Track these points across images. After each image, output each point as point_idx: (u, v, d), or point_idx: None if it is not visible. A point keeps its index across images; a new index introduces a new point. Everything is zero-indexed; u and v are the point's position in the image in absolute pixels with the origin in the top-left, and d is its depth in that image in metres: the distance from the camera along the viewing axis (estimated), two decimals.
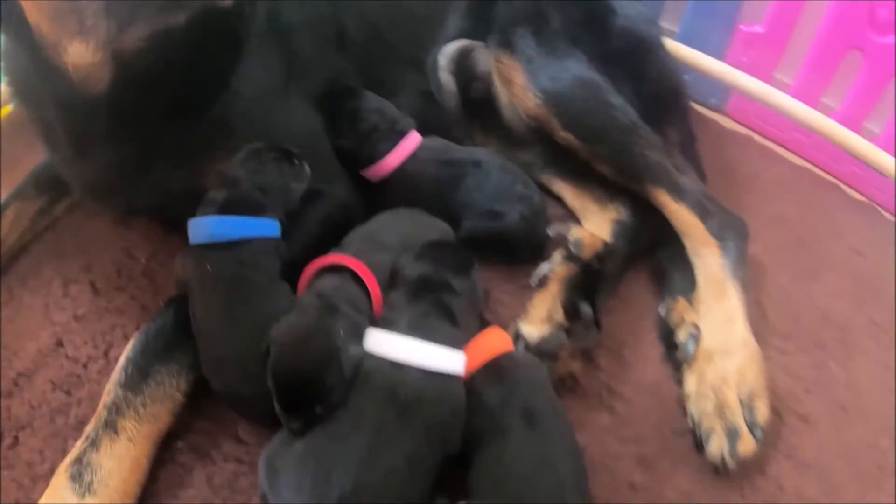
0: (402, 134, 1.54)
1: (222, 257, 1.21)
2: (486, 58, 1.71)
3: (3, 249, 1.51)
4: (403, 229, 1.34)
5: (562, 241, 1.48)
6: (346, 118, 1.53)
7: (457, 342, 1.12)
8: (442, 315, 1.13)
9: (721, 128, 2.17)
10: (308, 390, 1.04)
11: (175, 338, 1.21)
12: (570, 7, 1.67)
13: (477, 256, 1.46)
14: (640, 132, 1.56)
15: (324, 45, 1.55)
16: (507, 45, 1.63)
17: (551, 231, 1.47)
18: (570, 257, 1.42)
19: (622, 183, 1.59)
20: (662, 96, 1.74)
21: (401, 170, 1.52)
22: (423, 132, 1.59)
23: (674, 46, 2.03)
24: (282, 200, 1.30)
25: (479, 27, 1.73)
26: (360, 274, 1.20)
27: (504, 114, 1.70)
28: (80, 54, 1.06)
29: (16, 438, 1.25)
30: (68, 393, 1.30)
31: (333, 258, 1.23)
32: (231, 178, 1.28)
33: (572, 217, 1.72)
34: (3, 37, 1.28)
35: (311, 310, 1.13)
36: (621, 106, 1.59)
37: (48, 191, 1.62)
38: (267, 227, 1.26)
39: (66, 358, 1.36)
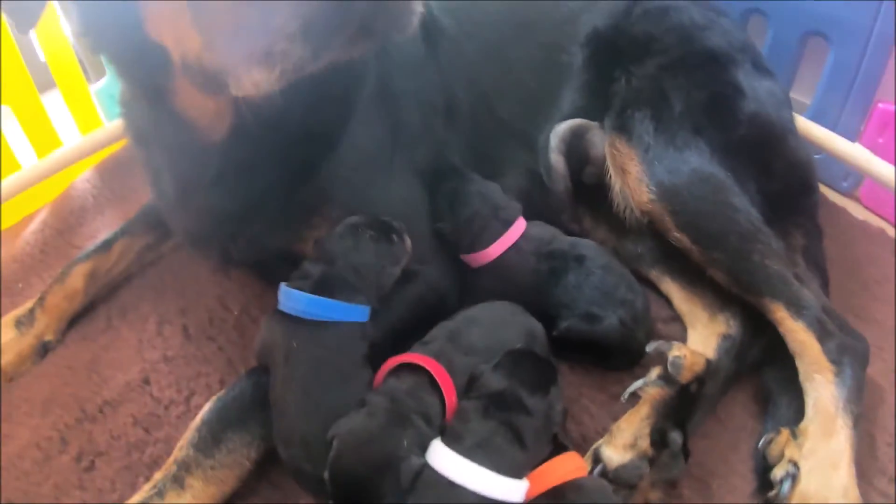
0: (506, 223, 1.48)
1: (309, 335, 1.21)
2: (600, 140, 1.61)
3: (107, 280, 1.63)
4: (491, 331, 1.29)
5: (661, 356, 1.37)
6: (447, 201, 1.48)
7: (521, 468, 1.07)
8: (510, 438, 1.08)
9: (851, 218, 1.97)
10: (363, 493, 1.05)
11: (252, 407, 1.22)
12: (696, 90, 1.52)
13: (568, 358, 1.40)
14: (761, 238, 1.43)
15: (432, 115, 1.50)
16: (623, 129, 1.52)
17: (650, 347, 1.36)
18: (667, 378, 1.32)
19: (736, 293, 1.45)
20: (790, 193, 1.59)
21: (500, 259, 1.46)
22: (528, 214, 1.53)
23: (803, 125, 1.87)
24: (375, 284, 1.28)
25: (595, 105, 1.63)
26: (438, 379, 1.17)
27: (616, 203, 1.59)
28: (262, 82, 0.94)
29: (92, 462, 1.33)
30: (147, 431, 1.35)
31: (414, 357, 1.20)
32: (328, 253, 1.26)
33: (678, 320, 1.60)
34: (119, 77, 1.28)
35: (380, 414, 1.11)
36: (743, 208, 1.45)
37: (156, 228, 1.69)
38: (357, 312, 1.24)
39: (150, 396, 1.41)
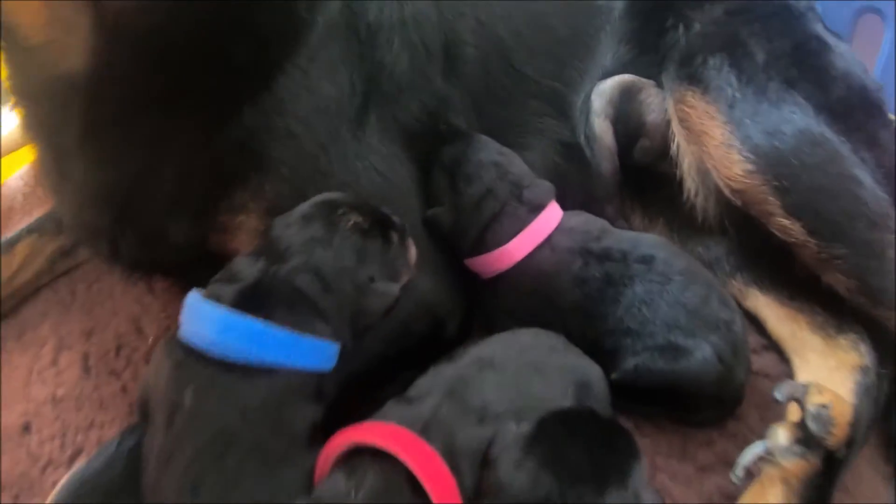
0: (534, 208, 1.00)
1: (216, 385, 0.71)
2: (659, 102, 1.18)
3: (10, 289, 1.27)
4: (518, 379, 0.79)
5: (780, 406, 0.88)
6: (445, 174, 1.02)
7: None
8: None
9: None
10: None
11: (122, 489, 0.77)
12: (777, 38, 1.15)
13: (632, 411, 0.95)
14: (892, 226, 1.01)
15: (426, 60, 1.07)
16: (695, 79, 1.10)
17: (779, 392, 0.86)
18: (807, 441, 0.82)
19: (859, 304, 1.03)
20: None
21: (527, 263, 0.98)
22: (560, 203, 1.06)
23: None
24: (351, 307, 0.78)
25: (644, 60, 1.23)
26: (424, 478, 0.64)
27: (687, 186, 1.15)
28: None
29: None
30: (16, 498, 1.04)
31: (383, 434, 0.68)
32: (277, 243, 0.78)
33: (772, 349, 1.14)
34: None
35: None
36: (869, 184, 1.04)
37: None
38: (313, 353, 0.74)
39: (26, 451, 1.10)
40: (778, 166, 1.02)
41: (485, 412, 0.72)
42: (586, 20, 1.25)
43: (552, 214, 1.00)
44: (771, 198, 1.02)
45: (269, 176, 0.88)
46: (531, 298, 0.98)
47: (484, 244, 0.98)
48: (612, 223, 1.11)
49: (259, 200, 0.88)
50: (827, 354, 1.07)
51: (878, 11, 1.62)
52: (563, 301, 0.97)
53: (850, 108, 1.12)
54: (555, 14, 1.22)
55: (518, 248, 0.97)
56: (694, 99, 1.09)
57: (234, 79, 0.86)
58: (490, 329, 0.95)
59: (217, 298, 0.72)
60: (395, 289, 0.80)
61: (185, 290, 1.01)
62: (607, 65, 1.23)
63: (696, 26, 1.18)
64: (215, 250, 0.91)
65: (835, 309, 1.09)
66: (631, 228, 1.23)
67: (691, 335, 0.92)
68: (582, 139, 1.18)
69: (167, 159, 0.87)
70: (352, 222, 0.79)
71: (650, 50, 1.22)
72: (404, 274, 0.84)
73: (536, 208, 0.99)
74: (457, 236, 1.00)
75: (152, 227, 0.91)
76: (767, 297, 1.16)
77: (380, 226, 0.81)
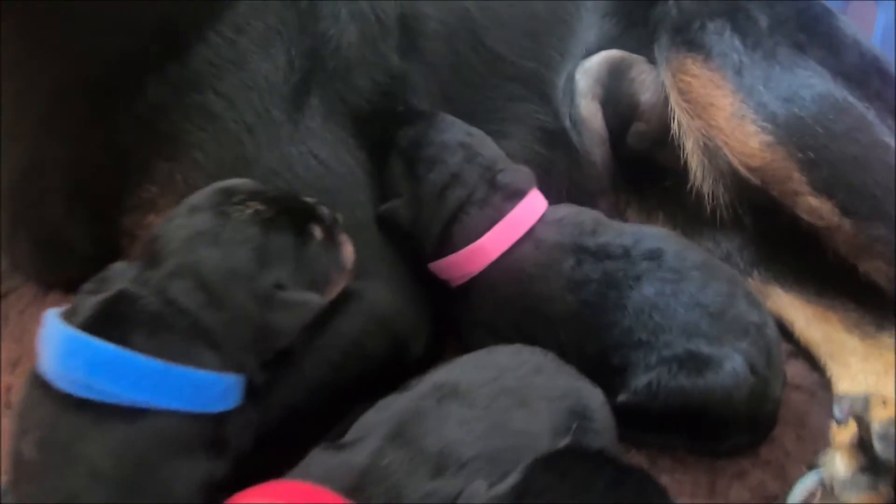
0: (510, 194, 0.82)
1: (62, 432, 0.53)
2: (653, 79, 1.03)
3: None
4: (493, 412, 0.61)
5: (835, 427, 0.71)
6: (403, 159, 0.86)
7: None
8: None
9: None
10: None
11: None
12: (778, 3, 1.02)
13: (644, 441, 0.78)
14: None
15: (379, 34, 0.92)
16: (694, 45, 0.97)
17: (840, 410, 0.68)
18: (875, 468, 0.64)
19: None
20: None
21: (505, 263, 0.80)
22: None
23: None
24: (256, 325, 0.60)
25: (631, 33, 1.09)
26: None
27: (690, 171, 0.99)
28: None
29: None
30: None
31: (286, 494, 0.50)
32: (156, 242, 0.61)
33: (800, 356, 0.97)
34: None
35: None
36: None
37: None
38: (195, 389, 0.56)
39: None
40: (801, 136, 0.87)
41: (445, 460, 0.54)
42: None
43: (534, 203, 0.83)
44: (796, 174, 0.86)
45: (180, 164, 0.73)
46: (512, 307, 0.81)
47: (451, 242, 0.81)
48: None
49: (170, 195, 0.72)
50: (869, 357, 0.90)
51: None
52: (553, 309, 0.79)
53: (865, 74, 1.00)
54: None
55: (493, 243, 0.79)
56: (696, 66, 0.95)
57: (133, 41, 0.71)
58: (465, 349, 0.76)
59: (72, 315, 0.54)
60: (314, 299, 0.62)
61: None
62: (591, 41, 1.08)
63: None
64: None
65: (870, 303, 0.93)
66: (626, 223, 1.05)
67: (716, 343, 0.74)
68: (567, 124, 1.02)
69: (57, 146, 0.72)
70: (251, 210, 0.61)
71: (638, 23, 1.07)
72: (336, 280, 0.66)
73: (514, 195, 0.82)
74: (419, 234, 0.83)
75: (51, 234, 0.77)
76: (792, 296, 1.00)
77: (291, 216, 0.64)
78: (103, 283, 0.58)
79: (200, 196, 0.63)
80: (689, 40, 0.97)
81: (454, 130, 0.86)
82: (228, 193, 0.63)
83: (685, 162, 1.00)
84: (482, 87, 1.02)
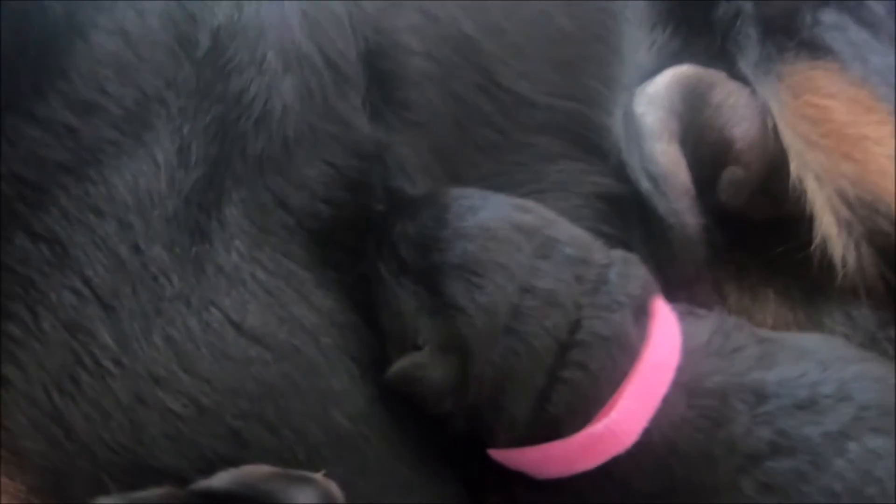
0: (636, 311, 0.50)
1: None
2: (746, 104, 0.73)
3: None
4: None
5: None
6: (411, 277, 0.52)
7: None
8: None
9: None
10: None
11: None
12: None
13: None
14: None
15: (330, 87, 0.60)
16: (819, 49, 0.70)
17: None
18: None
19: None
20: None
21: (644, 444, 0.46)
22: None
23: None
24: None
25: (696, 45, 0.79)
26: None
27: (820, 229, 0.70)
28: None
29: None
30: None
31: None
32: None
33: None
34: None
35: None
36: None
37: None
38: None
39: None
40: None
41: None
42: (593, 3, 0.80)
43: (667, 320, 0.50)
44: None
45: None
46: None
47: (548, 422, 0.47)
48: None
49: None
50: None
51: None
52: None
53: None
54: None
55: (631, 415, 0.46)
56: (829, 80, 0.67)
57: None
58: None
59: None
60: None
61: None
62: (643, 63, 0.77)
63: None
64: None
65: None
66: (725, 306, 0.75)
67: None
68: (643, 183, 0.70)
69: None
70: None
71: (701, 30, 0.79)
72: None
73: (640, 310, 0.50)
74: (471, 409, 0.48)
75: None
76: None
77: None
78: None
79: None
80: (805, 42, 0.69)
81: (493, 205, 0.53)
82: None
83: (809, 216, 0.71)
84: (503, 147, 0.70)
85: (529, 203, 0.57)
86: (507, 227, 0.52)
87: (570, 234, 0.53)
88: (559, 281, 0.49)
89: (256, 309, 0.50)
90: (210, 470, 0.45)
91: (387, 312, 0.52)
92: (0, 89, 0.47)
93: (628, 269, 0.52)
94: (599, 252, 0.52)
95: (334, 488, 0.42)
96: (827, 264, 0.72)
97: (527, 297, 0.48)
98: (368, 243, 0.56)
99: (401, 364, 0.49)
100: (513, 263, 0.50)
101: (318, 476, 0.43)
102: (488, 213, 0.53)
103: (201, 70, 0.54)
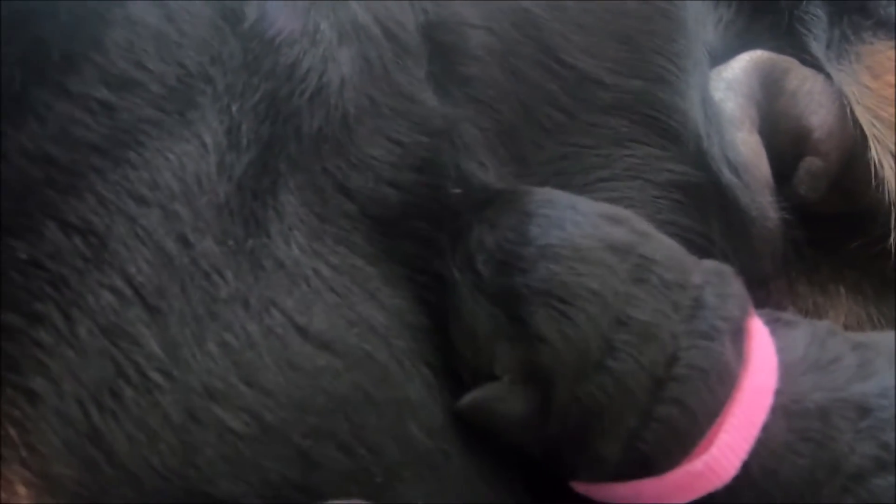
0: (733, 335, 0.45)
1: None
2: (821, 91, 0.69)
3: None
4: None
5: None
6: (489, 298, 0.46)
7: None
8: None
9: None
10: None
11: None
12: None
13: None
14: None
15: (392, 61, 0.55)
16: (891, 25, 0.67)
17: None
18: None
19: None
20: None
21: (745, 473, 0.42)
22: None
23: None
24: None
25: (761, 23, 0.75)
26: None
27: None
28: None
29: None
30: None
31: None
32: None
33: None
34: None
35: None
36: None
37: None
38: None
39: None
40: None
41: None
42: None
43: (763, 338, 0.46)
44: None
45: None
46: None
47: (640, 460, 0.43)
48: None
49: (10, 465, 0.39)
50: None
51: None
52: None
53: None
54: None
55: (731, 449, 0.42)
56: None
57: None
58: None
59: None
60: None
61: None
62: (711, 41, 0.73)
63: None
64: None
65: None
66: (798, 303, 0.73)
67: None
68: (724, 173, 0.65)
69: None
70: None
71: (766, 8, 0.74)
72: None
73: (737, 333, 0.45)
74: (553, 445, 0.45)
75: None
76: None
77: None
78: None
79: None
80: (883, 21, 0.66)
81: (582, 218, 0.48)
82: None
83: (888, 207, 0.67)
84: (569, 129, 0.65)
85: (621, 212, 0.52)
86: (598, 246, 0.47)
87: (666, 251, 0.48)
88: (656, 311, 0.44)
89: (322, 310, 0.45)
90: (275, 497, 0.40)
91: (459, 328, 0.47)
92: (26, 57, 0.43)
93: (724, 288, 0.47)
94: (695, 270, 0.48)
95: None
96: None
97: (621, 330, 0.44)
98: (443, 237, 0.51)
99: (476, 395, 0.45)
100: (606, 290, 0.45)
101: None
102: (577, 229, 0.48)
103: (248, 43, 0.50)
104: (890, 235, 0.68)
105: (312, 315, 0.44)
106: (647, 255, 0.46)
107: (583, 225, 0.47)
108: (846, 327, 0.71)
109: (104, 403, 0.39)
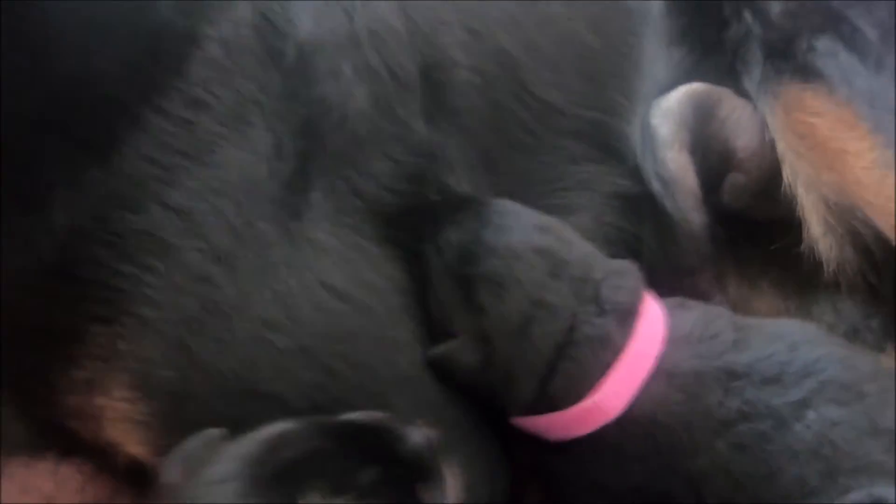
0: (622, 316, 0.61)
1: None
2: (748, 118, 0.82)
3: None
4: None
5: None
6: (452, 279, 0.64)
7: None
8: None
9: None
10: None
11: None
12: (875, 9, 0.83)
13: None
14: None
15: (394, 95, 0.71)
16: (811, 72, 0.78)
17: None
18: None
19: None
20: None
21: (632, 416, 0.59)
22: None
23: None
24: None
25: (707, 62, 0.88)
26: None
27: (808, 230, 0.79)
28: None
29: None
30: None
31: None
32: None
33: None
34: None
35: None
36: None
37: None
38: None
39: None
40: None
41: None
42: (618, 23, 0.89)
43: (653, 318, 0.61)
44: None
45: (122, 327, 0.55)
46: (639, 469, 0.60)
47: (549, 397, 0.59)
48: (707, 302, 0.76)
49: (116, 371, 0.55)
50: None
51: None
52: (695, 464, 0.58)
53: None
54: (576, 17, 0.86)
55: (613, 396, 0.58)
56: (818, 101, 0.76)
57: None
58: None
59: None
60: None
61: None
62: (661, 78, 0.86)
63: (776, 6, 0.84)
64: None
65: None
66: (727, 300, 0.85)
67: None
68: (655, 186, 0.80)
69: None
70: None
71: (713, 49, 0.87)
72: None
73: (627, 314, 0.60)
74: (494, 389, 0.62)
75: None
76: None
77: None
78: None
79: (223, 468, 0.41)
80: (799, 67, 0.77)
81: (520, 227, 0.65)
82: (271, 456, 0.43)
83: (799, 218, 0.80)
84: (535, 149, 0.80)
85: (553, 223, 0.68)
86: (527, 248, 0.64)
87: (579, 254, 0.65)
88: (563, 297, 0.61)
89: (340, 274, 0.62)
90: (305, 396, 0.57)
91: (432, 295, 0.64)
92: (134, 82, 0.59)
93: (619, 282, 0.63)
94: (599, 268, 0.63)
95: (432, 433, 0.53)
96: (815, 261, 0.81)
97: (536, 308, 0.60)
98: (425, 230, 0.68)
99: (439, 349, 0.62)
100: (529, 280, 0.62)
101: (421, 422, 0.54)
102: (514, 234, 0.65)
103: (288, 78, 0.65)
104: (801, 242, 0.81)
105: (333, 276, 0.62)
106: (564, 257, 0.63)
107: (519, 232, 0.65)
108: (768, 317, 0.82)
109: (192, 327, 0.56)
